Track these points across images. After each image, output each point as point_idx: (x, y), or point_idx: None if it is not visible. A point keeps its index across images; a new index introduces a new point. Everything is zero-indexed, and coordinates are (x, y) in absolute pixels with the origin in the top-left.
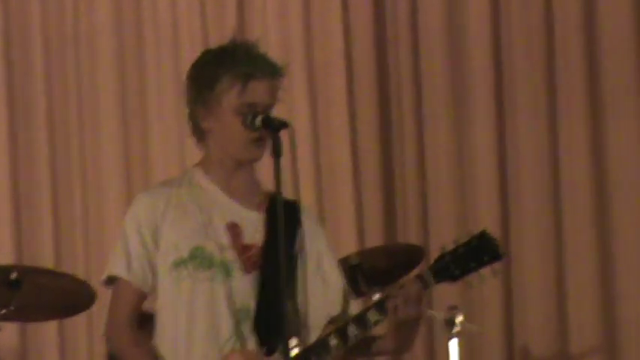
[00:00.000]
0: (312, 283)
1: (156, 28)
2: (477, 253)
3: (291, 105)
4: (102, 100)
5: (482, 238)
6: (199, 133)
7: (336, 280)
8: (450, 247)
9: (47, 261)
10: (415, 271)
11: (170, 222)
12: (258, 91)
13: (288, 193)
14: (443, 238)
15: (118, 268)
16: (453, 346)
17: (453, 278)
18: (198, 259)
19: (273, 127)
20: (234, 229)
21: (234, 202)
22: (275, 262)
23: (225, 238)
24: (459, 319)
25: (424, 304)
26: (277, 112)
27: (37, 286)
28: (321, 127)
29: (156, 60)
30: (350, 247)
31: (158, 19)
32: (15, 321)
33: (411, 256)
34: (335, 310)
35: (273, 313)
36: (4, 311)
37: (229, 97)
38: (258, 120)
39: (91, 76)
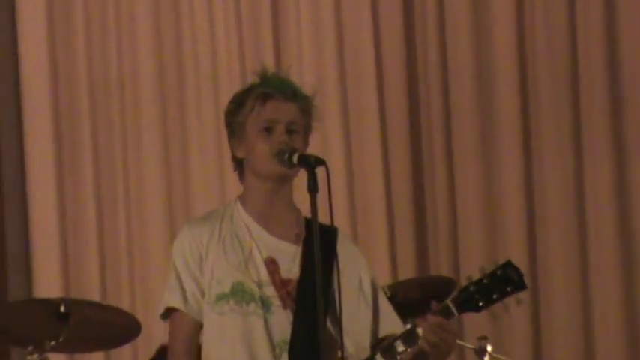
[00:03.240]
0: (355, 306)
1: (196, 67)
2: (502, 283)
3: (326, 142)
4: (145, 139)
5: (507, 268)
6: (238, 167)
7: (384, 302)
8: (476, 277)
9: (94, 293)
10: (440, 304)
11: (213, 257)
12: (277, 108)
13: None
14: (473, 270)
15: (174, 301)
16: None
17: (477, 309)
18: (239, 293)
19: (310, 164)
20: (271, 264)
21: (271, 235)
22: (311, 296)
23: (263, 274)
24: (489, 348)
25: (452, 334)
26: (312, 149)
27: (84, 318)
28: (355, 163)
29: (196, 99)
30: (384, 279)
31: (198, 59)
32: (63, 352)
33: (442, 287)
34: (386, 330)
35: (308, 345)
36: (53, 343)
37: (251, 119)
38: (295, 157)
39: (134, 115)
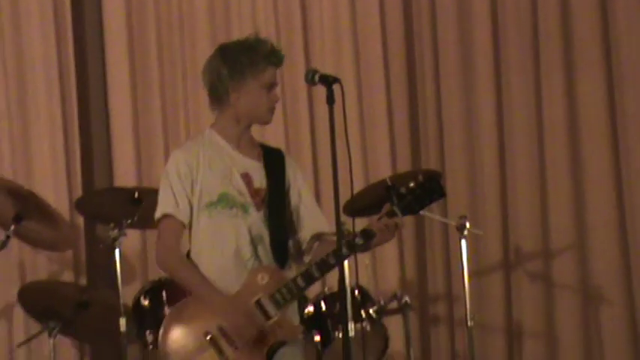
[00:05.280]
0: (301, 210)
1: (240, 26)
2: (429, 193)
3: (340, 67)
4: (199, 69)
5: (430, 182)
6: (219, 102)
7: (314, 206)
8: (407, 188)
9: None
10: (386, 207)
11: (202, 173)
12: (275, 74)
13: (340, 133)
14: (455, 163)
15: (169, 208)
16: (463, 245)
17: (414, 212)
18: (224, 201)
19: (328, 82)
20: (246, 177)
21: (243, 156)
22: (277, 200)
23: (241, 185)
24: (467, 225)
25: (398, 231)
26: (330, 69)
27: (153, 202)
28: (363, 83)
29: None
30: (386, 172)
31: (242, 19)
32: (136, 229)
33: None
34: (317, 228)
35: (280, 238)
36: (129, 221)
37: (259, 77)
38: (317, 77)
39: (191, 49)
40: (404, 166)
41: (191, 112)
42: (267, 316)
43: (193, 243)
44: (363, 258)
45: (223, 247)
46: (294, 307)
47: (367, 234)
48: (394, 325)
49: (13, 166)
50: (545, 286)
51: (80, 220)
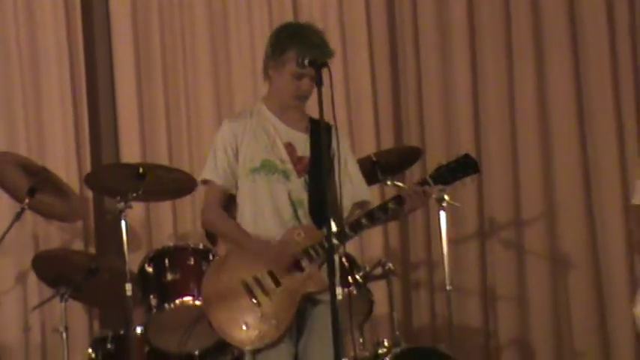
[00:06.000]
0: (343, 179)
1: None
2: (463, 167)
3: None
4: (198, 56)
5: (467, 158)
6: (266, 76)
7: (357, 176)
8: (445, 162)
9: (163, 159)
10: (419, 176)
11: (247, 142)
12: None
13: (327, 111)
14: (434, 140)
15: (210, 174)
16: (442, 216)
17: (446, 183)
18: (267, 167)
19: (317, 66)
20: (289, 147)
21: (288, 127)
22: (318, 168)
23: (284, 154)
24: (446, 197)
25: (426, 199)
26: None
27: (156, 177)
28: (349, 67)
29: (236, 27)
30: (370, 149)
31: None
32: (141, 201)
33: (413, 154)
34: (358, 197)
35: (318, 201)
36: (134, 195)
37: (291, 64)
38: (307, 61)
39: (190, 37)
40: (387, 142)
41: (190, 96)
42: (300, 269)
43: (239, 206)
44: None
45: (264, 209)
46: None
47: (398, 200)
48: (379, 289)
49: (28, 144)
50: (517, 253)
51: (89, 194)
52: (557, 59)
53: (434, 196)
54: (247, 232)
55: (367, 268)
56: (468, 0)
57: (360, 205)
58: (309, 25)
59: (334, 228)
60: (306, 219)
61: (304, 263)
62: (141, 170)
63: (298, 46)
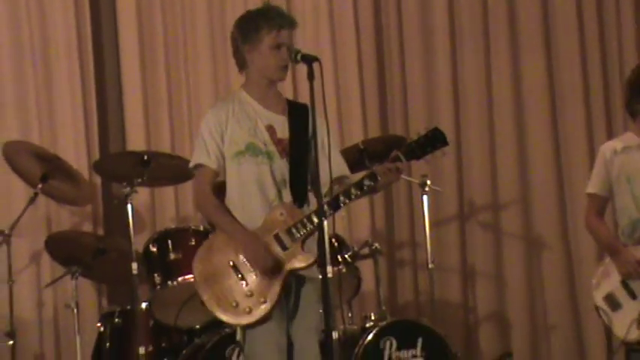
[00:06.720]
0: (321, 158)
1: None
2: (432, 141)
3: (319, 48)
4: (198, 52)
5: (435, 131)
6: (242, 64)
7: (334, 153)
8: (415, 137)
9: (166, 147)
10: (394, 153)
11: (231, 127)
12: (285, 35)
13: (318, 103)
14: (417, 129)
15: (201, 158)
16: (425, 199)
17: (417, 157)
18: (251, 150)
19: (309, 61)
20: (270, 129)
21: (268, 110)
22: (298, 149)
23: (266, 136)
24: (428, 182)
25: (399, 174)
26: (308, 47)
27: (159, 163)
28: (339, 63)
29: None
30: (358, 138)
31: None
32: (146, 186)
33: (397, 143)
34: (336, 172)
35: (300, 181)
36: (139, 180)
37: (268, 38)
38: (299, 56)
39: (192, 35)
40: (374, 131)
41: (192, 88)
42: (284, 248)
43: (227, 189)
44: (341, 210)
45: (250, 190)
46: (313, 241)
47: (372, 177)
48: (366, 268)
49: (41, 134)
50: (494, 234)
51: (98, 180)
52: (531, 57)
53: (417, 181)
54: (236, 220)
55: (355, 248)
56: (449, 3)
57: (339, 180)
58: (265, 4)
59: (316, 205)
60: (289, 199)
61: (287, 241)
62: (146, 158)
63: (266, 20)
